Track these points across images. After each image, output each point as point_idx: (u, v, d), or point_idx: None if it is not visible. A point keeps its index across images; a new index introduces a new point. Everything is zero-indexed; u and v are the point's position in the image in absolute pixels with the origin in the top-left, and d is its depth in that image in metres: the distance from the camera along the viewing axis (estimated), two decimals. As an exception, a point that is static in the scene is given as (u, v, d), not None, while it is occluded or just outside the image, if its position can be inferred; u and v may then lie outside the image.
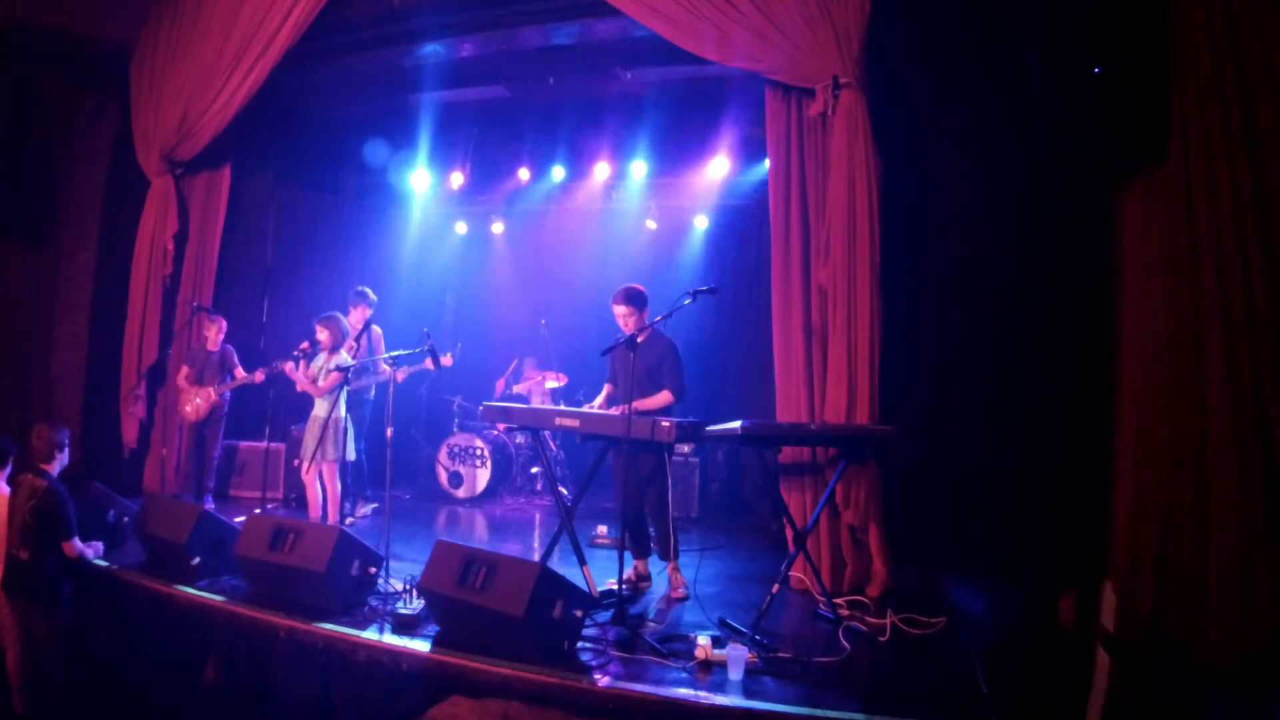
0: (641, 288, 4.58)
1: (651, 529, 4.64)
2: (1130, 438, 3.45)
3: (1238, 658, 2.63)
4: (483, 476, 7.22)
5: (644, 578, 4.61)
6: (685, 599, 4.37)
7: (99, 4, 6.43)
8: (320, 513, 5.50)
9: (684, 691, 3.17)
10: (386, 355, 5.75)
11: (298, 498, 6.43)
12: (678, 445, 5.41)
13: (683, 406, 4.52)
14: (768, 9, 4.64)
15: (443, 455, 7.34)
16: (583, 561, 4.36)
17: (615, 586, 4.18)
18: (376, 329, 6.38)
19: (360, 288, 6.30)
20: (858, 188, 4.50)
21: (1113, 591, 3.32)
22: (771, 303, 4.94)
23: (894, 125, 4.70)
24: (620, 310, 4.50)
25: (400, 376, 6.08)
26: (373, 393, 5.28)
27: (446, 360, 6.02)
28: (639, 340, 4.56)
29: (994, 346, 4.95)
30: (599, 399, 4.79)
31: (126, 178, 6.63)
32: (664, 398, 4.43)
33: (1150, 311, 3.33)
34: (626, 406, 4.03)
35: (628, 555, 4.58)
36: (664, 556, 4.56)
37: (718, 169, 7.36)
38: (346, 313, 6.15)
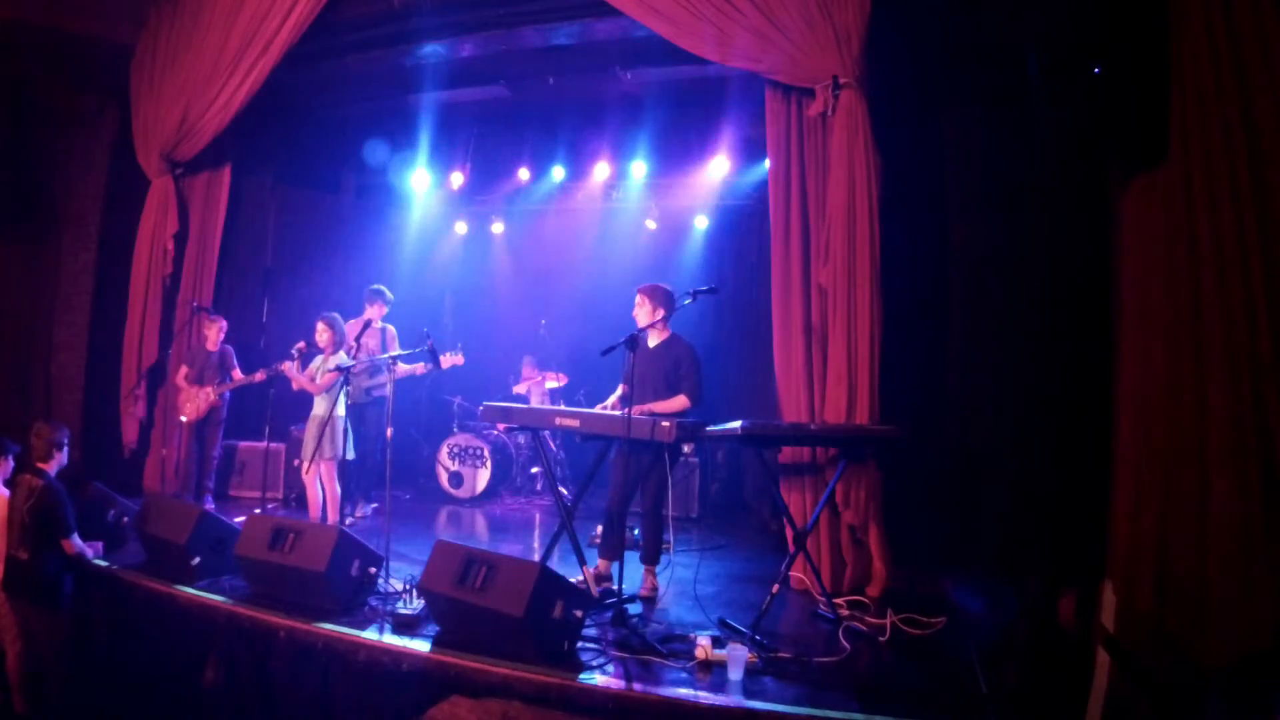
0: (667, 287, 4.57)
1: (639, 531, 4.62)
2: (1130, 438, 3.45)
3: (1238, 657, 2.63)
4: (483, 476, 7.22)
5: (604, 578, 4.51)
6: (650, 600, 4.37)
7: (99, 4, 6.42)
8: (320, 513, 5.50)
9: (684, 691, 3.17)
10: (385, 355, 5.75)
11: (298, 498, 6.43)
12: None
13: (698, 411, 4.50)
14: (768, 9, 4.64)
15: (443, 455, 7.34)
16: (583, 561, 4.36)
17: (613, 585, 4.17)
18: (390, 328, 6.38)
19: (376, 285, 6.29)
20: (858, 188, 4.50)
21: (1113, 591, 3.32)
22: (771, 303, 4.94)
23: (894, 125, 4.71)
24: (638, 300, 4.52)
25: (420, 370, 6.09)
26: (390, 389, 5.28)
27: (457, 359, 6.01)
28: (660, 342, 4.56)
29: (994, 346, 4.96)
30: (612, 398, 4.76)
31: (126, 178, 6.63)
32: (680, 402, 4.41)
33: (1150, 311, 3.33)
34: (630, 408, 4.02)
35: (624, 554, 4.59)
36: (645, 560, 4.54)
37: (718, 169, 7.35)
38: (362, 310, 6.14)
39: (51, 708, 4.22)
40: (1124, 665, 3.09)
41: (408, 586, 3.94)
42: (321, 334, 5.63)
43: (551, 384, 7.78)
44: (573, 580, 3.74)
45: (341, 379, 5.21)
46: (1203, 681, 2.72)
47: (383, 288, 6.27)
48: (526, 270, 9.22)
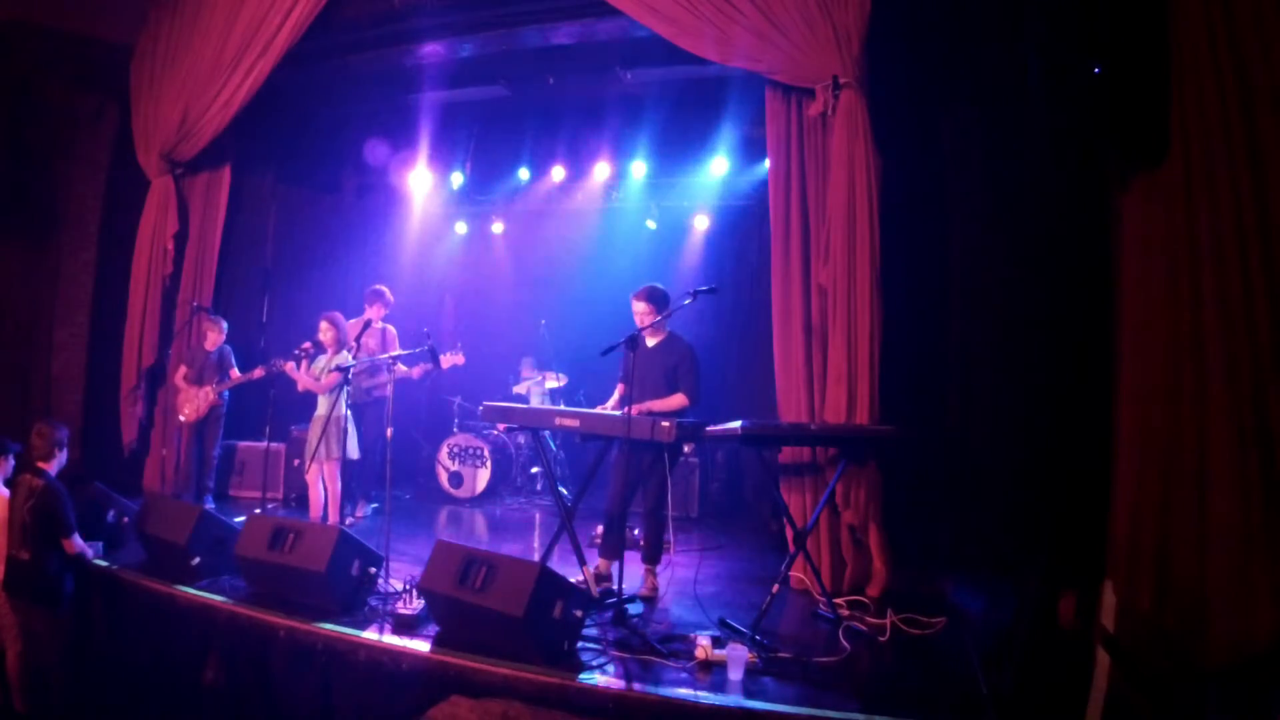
0: (663, 288, 4.56)
1: (640, 531, 4.62)
2: (1130, 437, 3.45)
3: (1238, 657, 2.62)
4: (483, 476, 7.22)
5: (604, 578, 4.49)
6: (650, 600, 4.37)
7: (99, 4, 6.43)
8: (321, 513, 5.50)
9: (684, 691, 3.17)
10: (385, 355, 5.75)
11: (298, 498, 6.43)
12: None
13: (696, 410, 4.50)
14: (768, 9, 4.64)
15: (443, 455, 7.34)
16: (583, 561, 4.36)
17: (614, 585, 4.17)
18: (391, 329, 6.38)
19: (377, 286, 6.29)
20: (858, 188, 4.50)
21: (1113, 591, 3.32)
22: (771, 303, 4.94)
23: (894, 125, 4.70)
24: (639, 308, 4.49)
25: (416, 374, 6.08)
26: (390, 389, 5.29)
27: (457, 359, 6.02)
28: (659, 342, 4.56)
29: (994, 346, 4.96)
30: (611, 400, 4.76)
31: (126, 178, 6.63)
32: (678, 400, 4.42)
33: (1150, 311, 3.33)
34: (629, 407, 4.02)
35: (627, 553, 4.59)
36: (646, 560, 4.54)
37: (718, 169, 7.35)
38: (362, 310, 6.15)
39: (52, 707, 4.22)
40: (1124, 665, 3.09)
41: (408, 586, 3.94)
42: (325, 333, 5.63)
43: (551, 384, 7.77)
44: (573, 580, 3.74)
45: (342, 379, 5.20)
46: (1202, 682, 2.72)
47: (383, 288, 6.27)
48: (526, 270, 9.22)
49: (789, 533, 4.38)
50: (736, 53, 4.79)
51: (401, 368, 5.95)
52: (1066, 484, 4.12)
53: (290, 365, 5.69)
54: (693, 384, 4.44)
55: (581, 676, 3.26)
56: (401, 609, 3.83)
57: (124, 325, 6.50)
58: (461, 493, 7.23)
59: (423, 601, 3.82)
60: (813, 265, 4.76)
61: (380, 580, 4.22)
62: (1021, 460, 4.65)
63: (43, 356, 6.66)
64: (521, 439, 7.61)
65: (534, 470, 7.69)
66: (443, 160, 8.14)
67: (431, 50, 6.05)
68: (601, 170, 7.83)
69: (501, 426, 6.69)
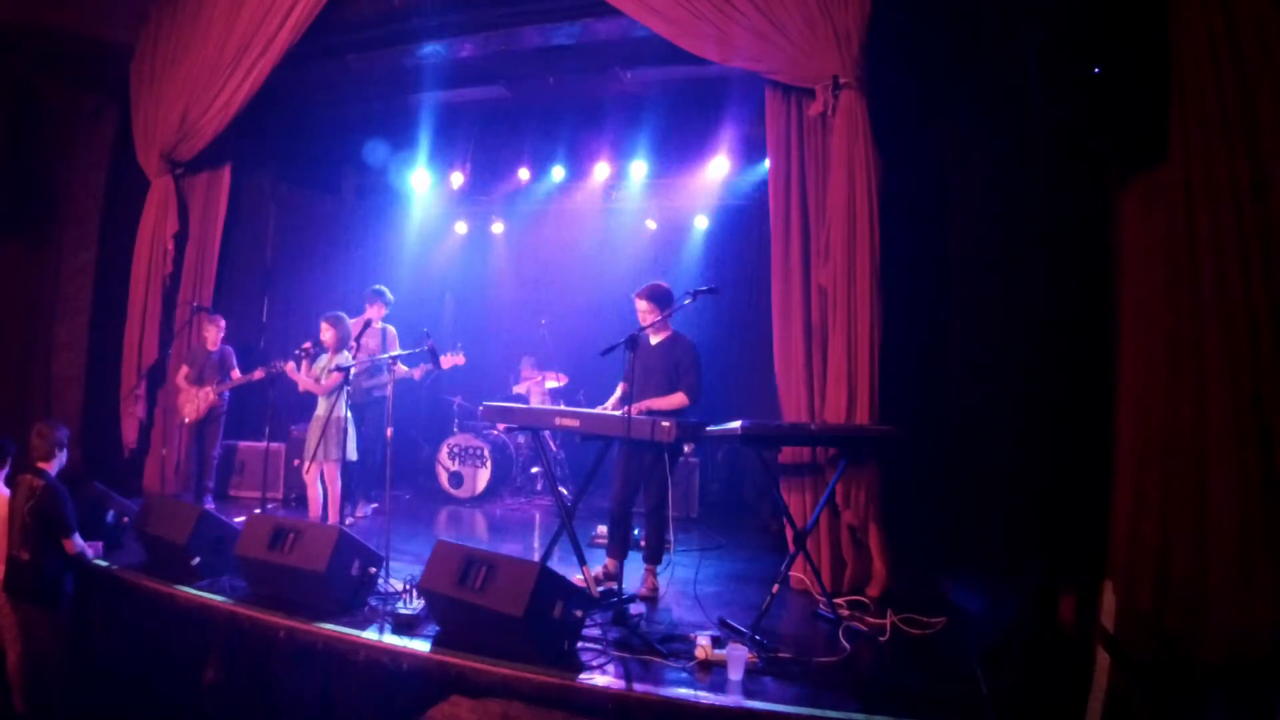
0: (666, 285, 4.57)
1: (641, 530, 4.63)
2: (1130, 437, 3.45)
3: (1238, 657, 2.63)
4: (483, 476, 7.22)
5: (611, 576, 4.48)
6: (650, 599, 4.37)
7: (99, 4, 6.43)
8: (320, 513, 5.50)
9: (684, 691, 3.17)
10: (385, 355, 5.75)
11: (298, 498, 6.43)
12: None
13: (696, 409, 4.51)
14: (768, 9, 4.64)
15: (443, 455, 7.34)
16: (583, 561, 4.36)
17: (614, 585, 4.17)
18: (391, 329, 6.38)
19: (377, 286, 6.29)
20: (858, 188, 4.50)
21: (1113, 591, 3.32)
22: (771, 303, 4.94)
23: (894, 125, 4.71)
24: (642, 306, 4.51)
25: (418, 374, 6.08)
26: (390, 389, 5.27)
27: (457, 359, 6.02)
28: (662, 339, 4.57)
29: (994, 346, 4.96)
30: (613, 398, 4.77)
31: (126, 178, 6.63)
32: (678, 399, 4.42)
33: (1150, 311, 3.33)
34: (630, 406, 4.03)
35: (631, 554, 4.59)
36: (648, 559, 4.54)
37: (718, 169, 7.35)
38: (362, 310, 6.15)
39: (52, 707, 4.22)
40: (1124, 665, 3.09)
41: (408, 586, 3.94)
42: (325, 333, 5.63)
43: (551, 384, 7.78)
44: (573, 580, 3.74)
45: (343, 379, 5.20)
46: (1203, 681, 2.72)
47: (383, 288, 6.27)
48: (526, 270, 9.23)
49: (789, 533, 4.38)
50: (736, 53, 4.79)
51: (402, 368, 5.95)
52: (1066, 484, 4.12)
53: (290, 366, 5.69)
54: (694, 382, 4.45)
55: (581, 676, 3.26)
56: (401, 609, 3.83)
57: (124, 325, 6.50)
58: (461, 493, 7.23)
59: (423, 601, 3.82)
60: (813, 265, 4.77)
61: (380, 580, 4.22)
62: (1021, 460, 4.65)
63: (43, 356, 6.65)
64: (521, 439, 7.61)
65: (534, 470, 7.70)
66: (443, 160, 8.14)
67: (431, 50, 6.04)
68: (601, 170, 7.84)
69: (501, 426, 6.72)
